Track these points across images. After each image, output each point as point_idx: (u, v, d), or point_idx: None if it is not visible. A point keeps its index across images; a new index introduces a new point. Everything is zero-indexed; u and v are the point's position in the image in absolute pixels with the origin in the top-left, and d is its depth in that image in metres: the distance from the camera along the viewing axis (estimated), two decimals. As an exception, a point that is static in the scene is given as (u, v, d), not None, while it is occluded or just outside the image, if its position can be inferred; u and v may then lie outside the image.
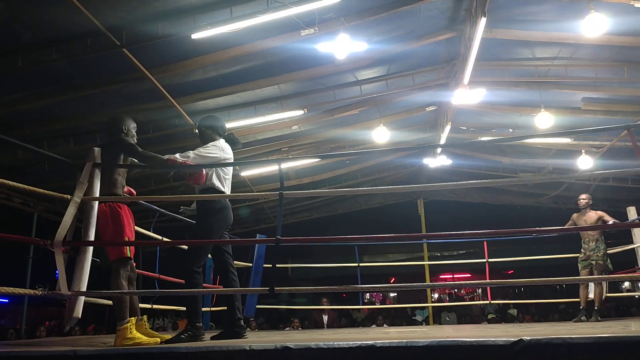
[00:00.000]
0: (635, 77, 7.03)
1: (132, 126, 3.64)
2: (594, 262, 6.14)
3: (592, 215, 6.29)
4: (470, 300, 15.47)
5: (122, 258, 3.25)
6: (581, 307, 6.21)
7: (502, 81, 7.69)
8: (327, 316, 10.96)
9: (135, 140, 3.62)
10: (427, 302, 12.43)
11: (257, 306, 7.66)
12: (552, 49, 6.79)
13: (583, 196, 6.48)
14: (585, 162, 9.62)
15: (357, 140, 9.64)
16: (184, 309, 3.73)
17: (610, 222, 6.07)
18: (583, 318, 6.07)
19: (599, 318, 5.96)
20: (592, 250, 6.18)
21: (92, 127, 7.35)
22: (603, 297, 6.24)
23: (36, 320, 13.26)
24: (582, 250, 6.32)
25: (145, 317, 3.42)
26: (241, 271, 7.50)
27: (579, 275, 6.32)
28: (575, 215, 6.49)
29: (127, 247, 3.26)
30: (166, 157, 3.52)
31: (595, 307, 6.02)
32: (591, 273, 6.14)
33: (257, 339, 3.22)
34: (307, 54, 6.28)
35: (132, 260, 3.36)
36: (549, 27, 6.17)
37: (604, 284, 6.35)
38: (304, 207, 13.44)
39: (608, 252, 6.27)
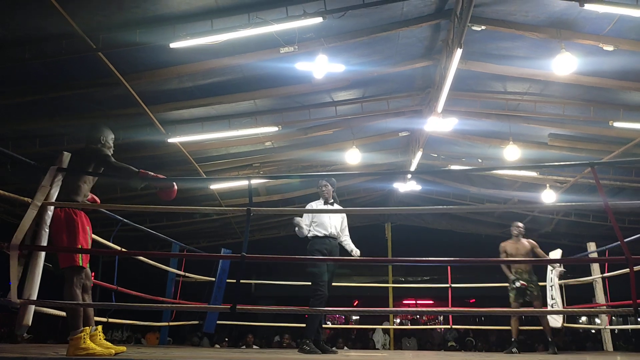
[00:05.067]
0: (601, 117, 7.28)
1: (110, 137, 3.57)
2: (529, 292, 5.97)
3: (527, 245, 6.13)
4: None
5: (74, 266, 3.14)
6: (513, 339, 6.02)
7: (474, 112, 7.86)
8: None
9: (112, 152, 3.53)
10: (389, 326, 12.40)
11: (218, 322, 7.53)
12: (523, 84, 6.99)
13: (519, 224, 6.26)
14: (549, 196, 9.86)
15: (329, 161, 9.67)
16: (144, 323, 3.64)
17: (545, 255, 5.99)
18: (514, 350, 5.91)
19: (556, 350, 5.84)
20: (527, 282, 5.99)
21: (60, 130, 7.19)
22: (561, 326, 6.19)
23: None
24: (513, 281, 6.03)
25: (100, 327, 3.32)
26: (204, 285, 7.38)
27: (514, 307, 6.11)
28: (507, 243, 6.25)
29: (80, 256, 3.14)
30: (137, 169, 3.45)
31: (549, 339, 5.88)
32: (529, 305, 6.02)
33: (215, 355, 3.15)
34: (285, 72, 6.31)
35: (87, 269, 3.26)
36: (521, 63, 6.36)
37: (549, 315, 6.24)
38: (272, 224, 13.36)
39: (564, 283, 6.29)
